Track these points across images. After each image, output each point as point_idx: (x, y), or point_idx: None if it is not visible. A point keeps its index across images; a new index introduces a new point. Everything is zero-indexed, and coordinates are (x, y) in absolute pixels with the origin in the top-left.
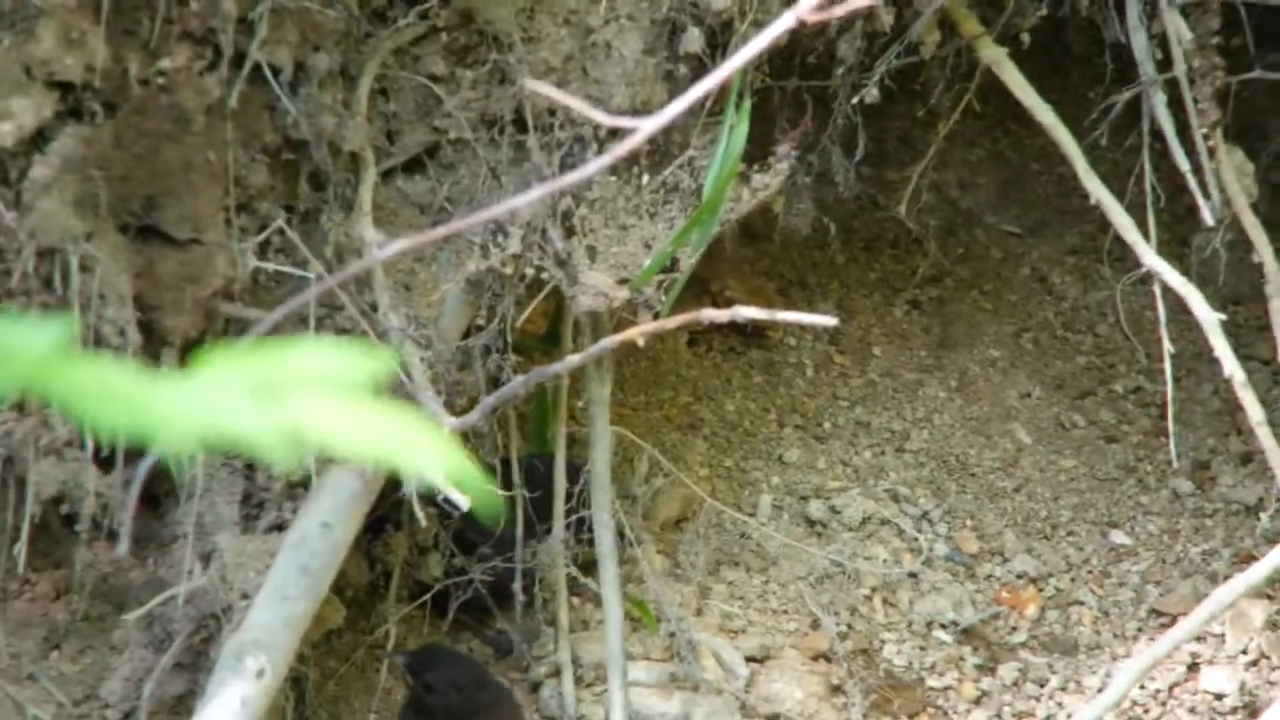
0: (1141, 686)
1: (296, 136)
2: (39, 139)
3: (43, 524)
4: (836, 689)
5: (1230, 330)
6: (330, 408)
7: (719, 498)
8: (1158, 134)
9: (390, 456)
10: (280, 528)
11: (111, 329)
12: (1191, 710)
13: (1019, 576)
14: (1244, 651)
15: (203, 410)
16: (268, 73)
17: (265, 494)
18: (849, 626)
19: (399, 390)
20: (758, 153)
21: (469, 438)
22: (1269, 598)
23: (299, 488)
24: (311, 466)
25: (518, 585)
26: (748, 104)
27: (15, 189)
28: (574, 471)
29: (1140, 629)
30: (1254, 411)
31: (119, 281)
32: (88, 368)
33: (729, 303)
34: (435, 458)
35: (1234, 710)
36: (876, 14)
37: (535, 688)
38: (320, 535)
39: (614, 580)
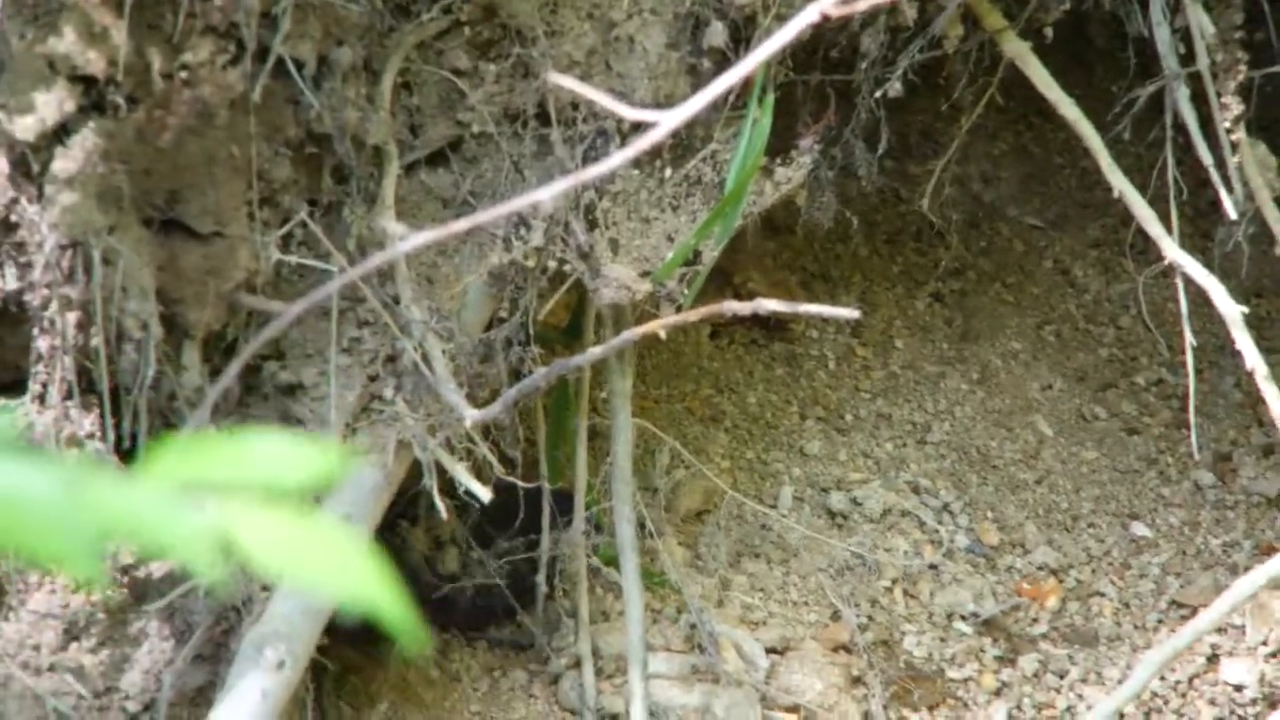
0: (1162, 678)
1: (319, 130)
2: (61, 133)
3: None
4: (857, 680)
5: (1252, 323)
6: (266, 521)
7: (740, 490)
8: (1180, 128)
9: (319, 576)
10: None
11: (134, 322)
12: (1211, 702)
13: (1040, 568)
14: (1264, 643)
15: (130, 511)
16: (291, 67)
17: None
18: (869, 618)
19: (419, 383)
20: (780, 146)
21: (491, 430)
22: None
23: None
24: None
25: (540, 577)
26: (771, 98)
27: (38, 183)
28: (564, 501)
29: (1161, 621)
30: (1276, 404)
31: (141, 275)
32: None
33: (751, 295)
34: (361, 580)
35: (1254, 702)
36: (900, 8)
37: (555, 679)
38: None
39: (635, 572)
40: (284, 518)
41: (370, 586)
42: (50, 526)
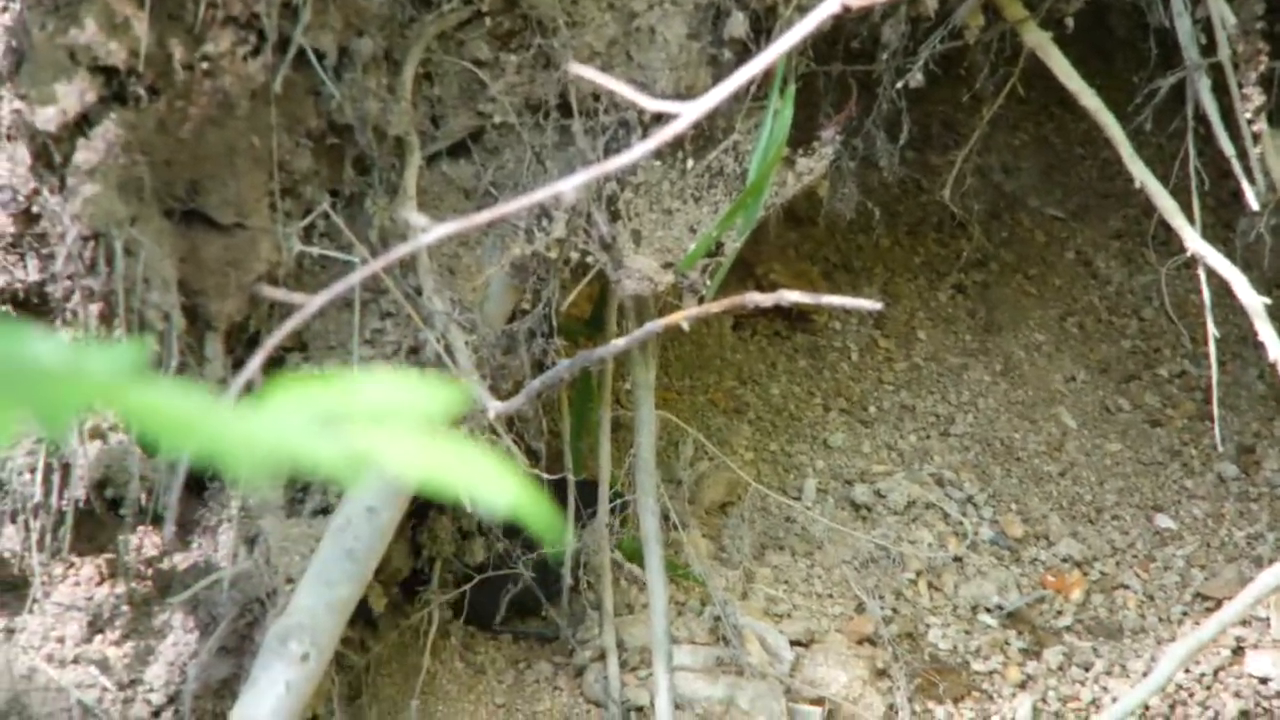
0: (1186, 670)
1: (341, 121)
2: (83, 124)
3: (87, 508)
4: (881, 673)
5: (1275, 314)
6: (400, 440)
7: (764, 481)
8: (1202, 118)
9: (460, 488)
10: (325, 512)
11: (155, 313)
12: (1236, 694)
13: (1064, 560)
14: None
15: (271, 436)
16: (312, 57)
17: (310, 478)
18: (894, 610)
19: (442, 375)
20: (802, 137)
21: (514, 422)
22: None
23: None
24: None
25: (566, 569)
26: (792, 89)
27: (59, 173)
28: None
29: (1185, 613)
30: None
31: (163, 266)
32: (159, 392)
33: (774, 286)
34: (505, 490)
35: (1278, 694)
36: None
37: (580, 672)
38: (365, 519)
39: (659, 564)
40: (418, 437)
41: (512, 490)
42: (229, 443)
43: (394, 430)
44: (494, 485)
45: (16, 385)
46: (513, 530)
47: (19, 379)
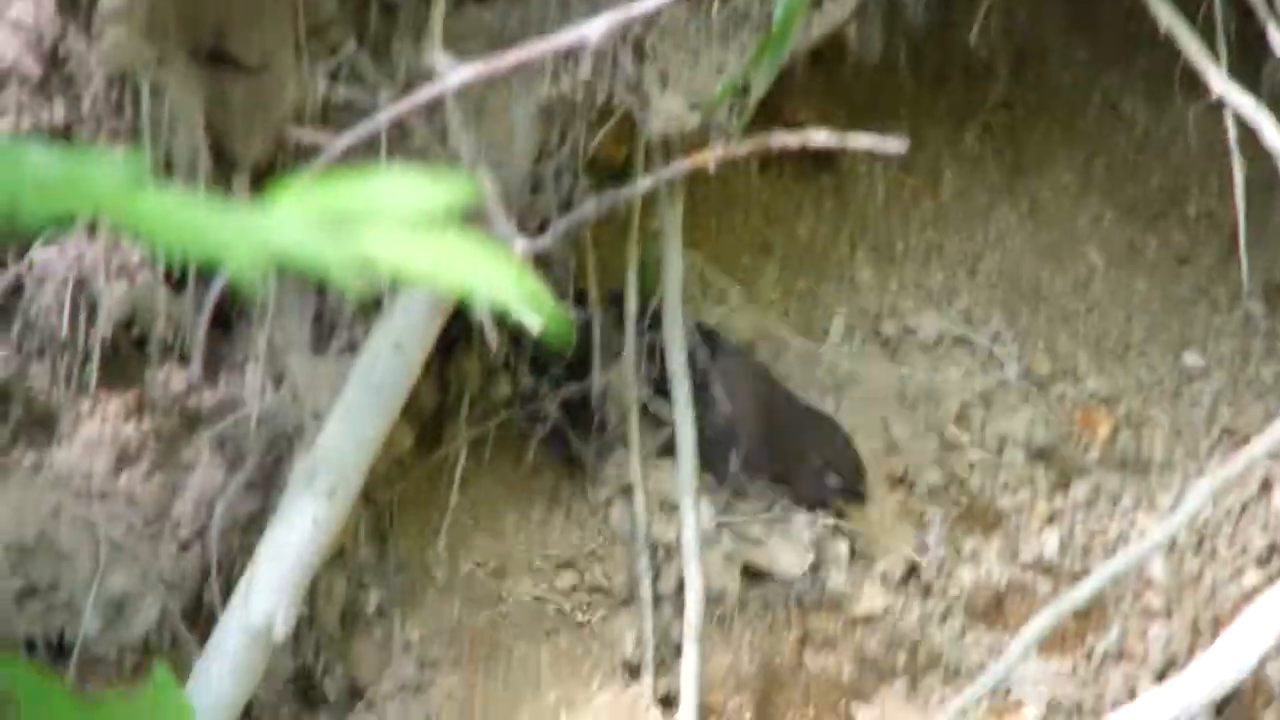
0: (1214, 505)
1: None
2: None
3: (114, 346)
4: (911, 511)
5: None
6: (403, 237)
7: (790, 320)
8: None
9: (464, 283)
10: (352, 348)
11: (183, 154)
12: (1264, 527)
13: (1091, 397)
14: None
15: (275, 238)
16: None
17: (337, 315)
18: (923, 447)
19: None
20: None
21: (541, 262)
22: None
23: (371, 309)
24: (384, 288)
25: (594, 403)
26: None
27: (86, 15)
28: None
29: (1212, 448)
30: None
31: (189, 107)
32: (160, 197)
33: (800, 127)
34: (509, 283)
35: None
36: None
37: (607, 506)
38: (392, 355)
39: (686, 400)
40: (421, 234)
41: (517, 287)
42: (233, 246)
43: (399, 230)
44: (499, 279)
45: (19, 195)
46: (541, 366)
47: (21, 188)
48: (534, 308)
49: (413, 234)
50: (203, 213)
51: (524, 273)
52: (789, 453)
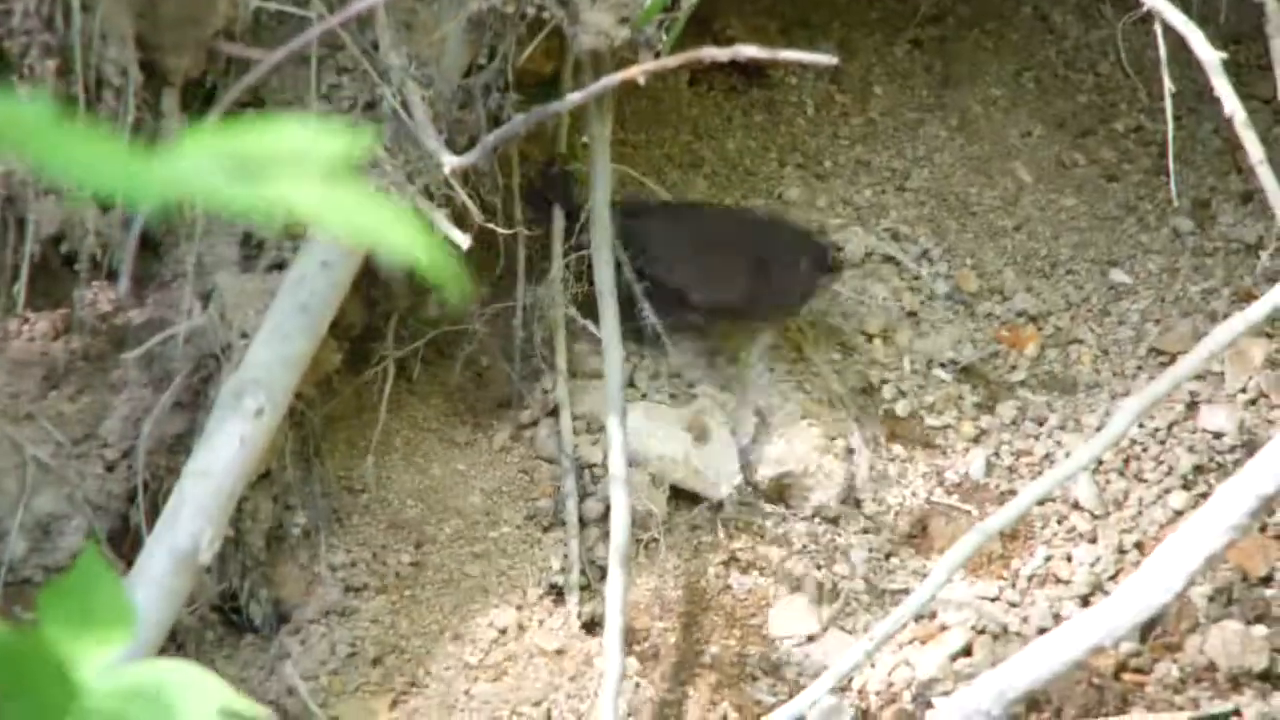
0: (1140, 425)
1: None
2: None
3: (42, 263)
4: (837, 438)
5: (1231, 69)
6: (308, 187)
7: None
8: None
9: (365, 234)
10: (280, 267)
11: (113, 69)
12: (1190, 449)
13: (1019, 315)
14: (1243, 390)
15: (187, 182)
16: None
17: (265, 233)
18: (850, 368)
19: (399, 129)
20: None
21: (470, 175)
22: (1268, 336)
23: (299, 227)
24: None
25: (517, 323)
26: None
27: None
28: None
29: (1140, 367)
30: (1254, 150)
31: (120, 21)
32: (73, 140)
33: (730, 41)
34: (407, 237)
35: (1232, 449)
36: None
37: (534, 426)
38: (320, 274)
39: (614, 317)
40: (326, 184)
41: (414, 240)
42: (143, 185)
43: (303, 177)
44: (392, 231)
45: None
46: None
47: None
48: (429, 264)
49: (314, 182)
50: (115, 155)
51: (416, 223)
52: (752, 266)
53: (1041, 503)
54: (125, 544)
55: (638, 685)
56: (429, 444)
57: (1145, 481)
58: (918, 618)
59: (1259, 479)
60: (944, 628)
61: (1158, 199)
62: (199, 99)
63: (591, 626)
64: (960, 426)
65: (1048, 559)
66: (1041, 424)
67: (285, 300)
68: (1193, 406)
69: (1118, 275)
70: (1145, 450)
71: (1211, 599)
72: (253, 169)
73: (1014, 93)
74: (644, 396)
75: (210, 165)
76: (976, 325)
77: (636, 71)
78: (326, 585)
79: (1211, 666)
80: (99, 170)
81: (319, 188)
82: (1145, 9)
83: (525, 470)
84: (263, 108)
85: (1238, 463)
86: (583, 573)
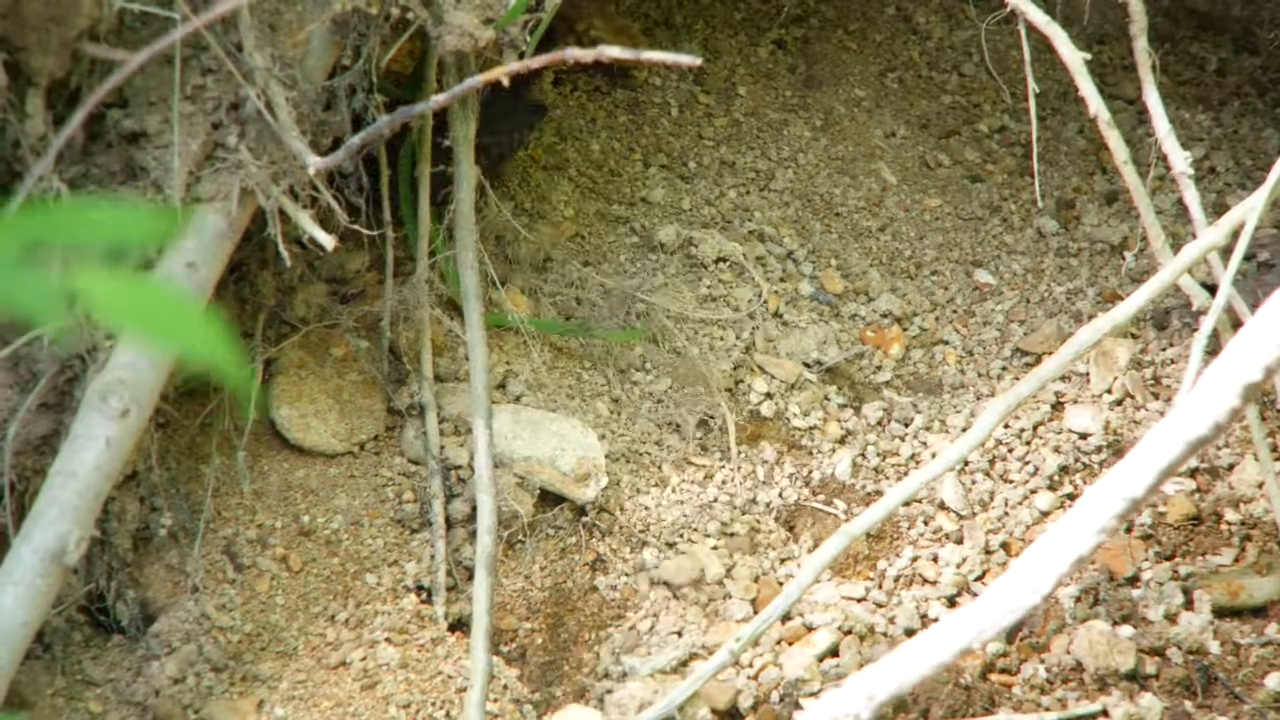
0: (1006, 426)
1: None
2: None
3: None
4: (705, 432)
5: (1095, 70)
6: (109, 279)
7: (585, 237)
8: None
9: (158, 330)
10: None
11: None
12: (1056, 449)
13: (883, 316)
14: (1108, 391)
15: None
16: None
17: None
18: (716, 368)
19: (263, 130)
20: None
21: (334, 177)
22: (1133, 337)
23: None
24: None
25: (384, 324)
26: None
27: None
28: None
29: (1004, 368)
30: (1119, 150)
31: None
32: None
33: (594, 42)
34: (195, 334)
35: (1098, 449)
36: None
37: (401, 427)
38: (186, 275)
39: (479, 320)
40: (125, 276)
41: (205, 339)
42: None
43: (96, 269)
44: (192, 332)
45: None
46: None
47: None
48: (213, 360)
49: (113, 275)
50: None
51: (204, 322)
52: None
53: (908, 504)
54: None
55: (505, 686)
56: (299, 442)
57: (1011, 482)
58: (784, 619)
59: (1126, 481)
60: (811, 628)
61: (1022, 200)
62: (64, 100)
63: (460, 627)
64: (826, 427)
65: (914, 560)
66: (907, 425)
67: None
68: (1058, 407)
69: (982, 276)
70: (1011, 451)
71: (1078, 599)
72: (50, 256)
73: (878, 93)
74: (517, 400)
75: (4, 255)
76: (842, 326)
77: (500, 73)
78: (193, 587)
79: (1078, 667)
80: None
81: (114, 278)
82: (1009, 10)
83: (393, 472)
84: (127, 109)
85: (1104, 463)
86: (450, 574)
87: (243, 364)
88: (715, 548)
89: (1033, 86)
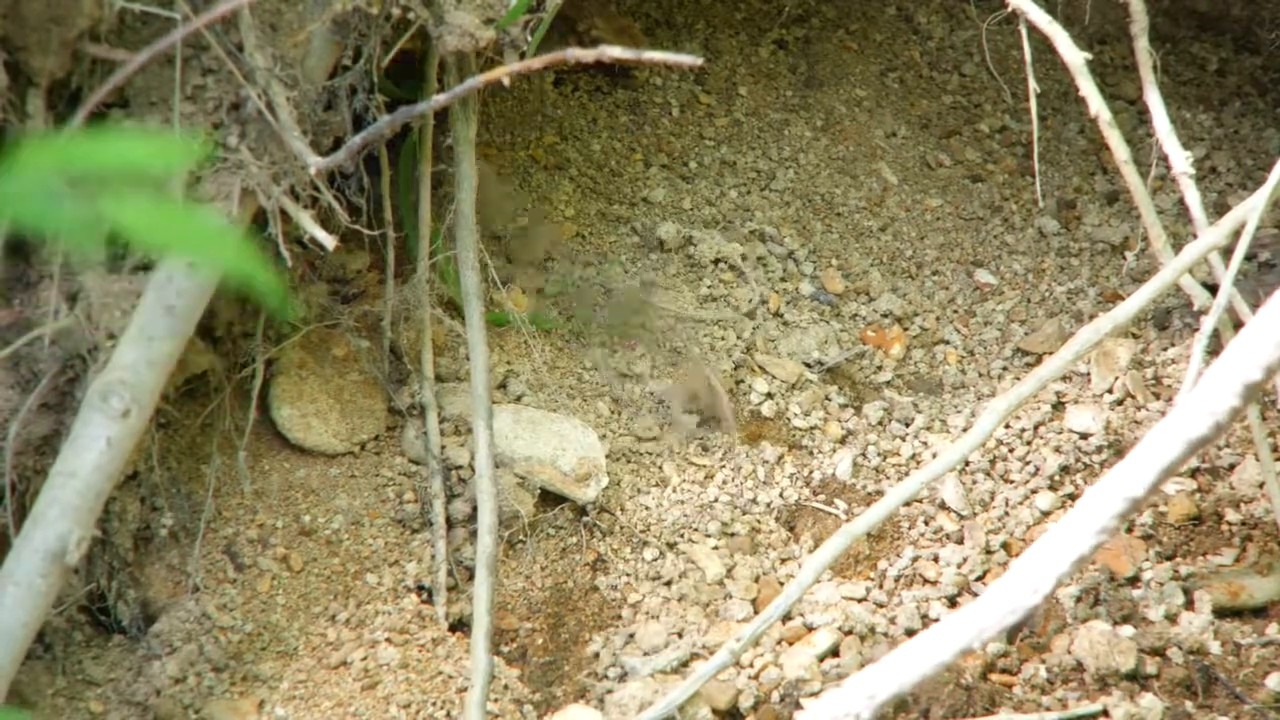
0: (1007, 426)
1: None
2: None
3: None
4: (706, 432)
5: (1096, 70)
6: (138, 203)
7: (586, 237)
8: None
9: (188, 249)
10: (146, 267)
11: None
12: (1057, 449)
13: (884, 315)
14: (1109, 391)
15: (15, 199)
16: None
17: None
18: (718, 367)
19: (264, 130)
20: None
21: (335, 177)
22: (1134, 337)
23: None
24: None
25: (385, 324)
26: None
27: None
28: None
29: (1005, 368)
30: (1119, 150)
31: None
32: None
33: (595, 42)
34: (231, 251)
35: (1099, 449)
36: None
37: (403, 427)
38: (186, 274)
39: (479, 319)
40: (158, 200)
41: (240, 258)
42: None
43: (134, 193)
44: (227, 250)
45: None
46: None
47: None
48: (251, 275)
49: (144, 197)
50: None
51: (242, 241)
52: None
53: (908, 504)
54: None
55: (506, 686)
56: (300, 442)
57: (1012, 482)
58: (785, 619)
59: (1127, 481)
60: (811, 628)
61: (1023, 199)
62: (64, 100)
63: (460, 627)
64: (826, 427)
65: (915, 560)
66: (908, 425)
67: (152, 301)
68: (1059, 407)
69: (983, 276)
70: (1012, 451)
71: (1079, 599)
72: (87, 185)
73: (879, 93)
74: (518, 399)
75: (43, 182)
76: (842, 326)
77: (501, 73)
78: (194, 586)
79: (1079, 667)
80: None
81: (149, 204)
82: (1010, 10)
83: (393, 471)
84: (128, 109)
85: (1104, 463)
86: (450, 574)
87: (276, 280)
88: (716, 548)
89: (1034, 86)
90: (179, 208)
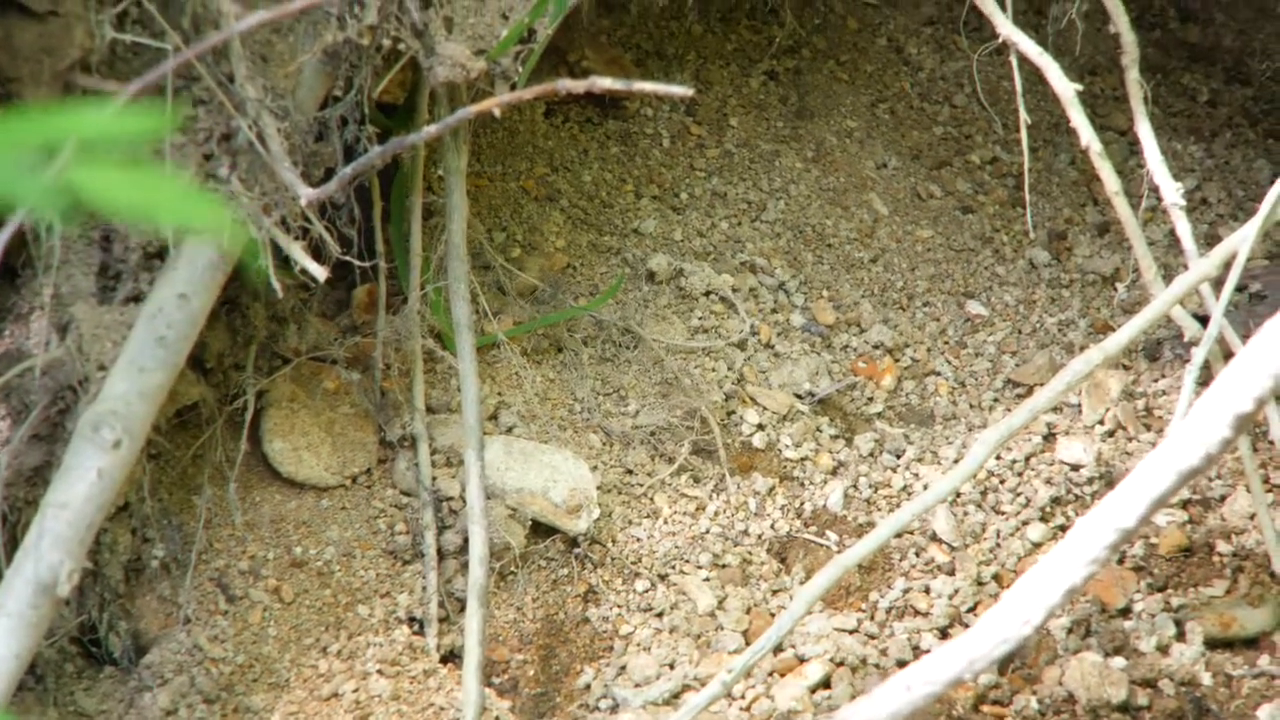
0: (998, 457)
1: None
2: None
3: None
4: (697, 464)
5: (1087, 101)
6: (101, 171)
7: (576, 268)
8: None
9: (151, 214)
10: (137, 299)
11: None
12: (1048, 481)
13: (875, 347)
14: (1100, 422)
15: None
16: None
17: (122, 265)
18: (708, 398)
19: (254, 161)
20: None
21: (326, 208)
22: (1125, 368)
23: (156, 259)
24: (169, 238)
25: (377, 355)
26: None
27: None
28: None
29: (996, 399)
30: (1110, 181)
31: None
32: None
33: (586, 73)
34: (198, 214)
35: (1090, 481)
36: None
37: (394, 459)
38: (177, 306)
39: (470, 351)
40: (117, 164)
41: (207, 217)
42: None
43: (96, 161)
44: (193, 212)
45: None
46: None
47: None
48: (217, 234)
49: (110, 166)
50: None
51: (206, 201)
52: None
53: (899, 535)
54: None
55: (497, 718)
56: (290, 474)
57: (1003, 514)
58: (776, 651)
59: (1118, 512)
60: (803, 660)
61: (1014, 231)
62: None
63: (451, 659)
64: (817, 458)
65: (906, 591)
66: (899, 456)
67: (142, 332)
68: (1050, 438)
69: (974, 307)
70: (1003, 482)
71: (1070, 630)
72: (50, 156)
73: (869, 124)
74: (509, 431)
75: (13, 155)
76: (833, 357)
77: (492, 104)
78: (185, 618)
79: (1070, 699)
80: None
81: (112, 171)
82: (1000, 41)
83: (385, 503)
84: None
85: (1095, 495)
86: (442, 605)
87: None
88: (707, 579)
89: (1024, 118)
90: (149, 173)
